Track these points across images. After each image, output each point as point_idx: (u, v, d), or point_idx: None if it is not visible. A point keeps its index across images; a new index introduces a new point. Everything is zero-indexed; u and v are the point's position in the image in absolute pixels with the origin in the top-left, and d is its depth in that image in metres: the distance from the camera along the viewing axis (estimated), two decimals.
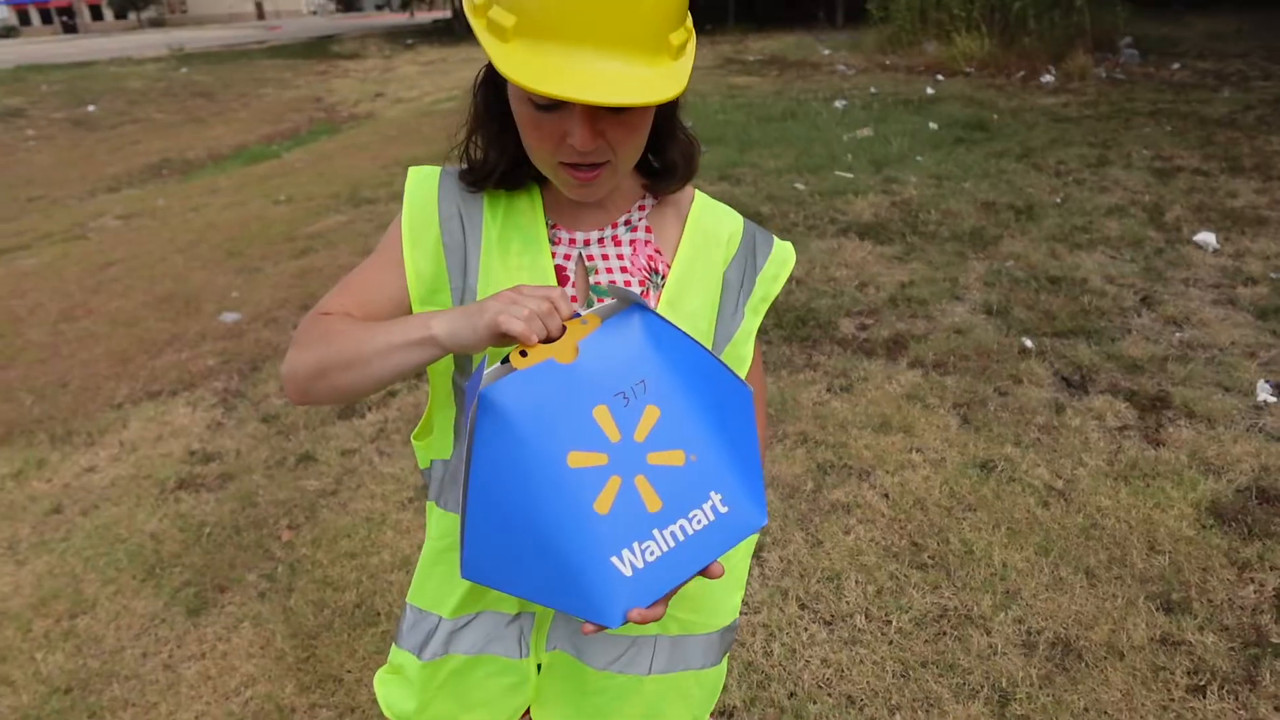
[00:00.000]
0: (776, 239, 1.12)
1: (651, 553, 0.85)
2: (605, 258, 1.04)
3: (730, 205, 1.11)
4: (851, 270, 4.66)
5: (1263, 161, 6.05)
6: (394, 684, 1.16)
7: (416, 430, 1.15)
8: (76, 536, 3.00)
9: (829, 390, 3.49)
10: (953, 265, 4.60)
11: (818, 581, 2.49)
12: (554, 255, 1.03)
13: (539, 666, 1.10)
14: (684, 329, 1.01)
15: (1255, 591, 2.33)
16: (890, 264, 4.74)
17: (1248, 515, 2.60)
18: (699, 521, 0.88)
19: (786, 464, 3.03)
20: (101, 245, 6.82)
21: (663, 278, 1.05)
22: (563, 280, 1.03)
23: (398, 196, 7.22)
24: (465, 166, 1.03)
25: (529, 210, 1.03)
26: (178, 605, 2.68)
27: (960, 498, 2.78)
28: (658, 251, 1.06)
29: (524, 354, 0.85)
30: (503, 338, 0.84)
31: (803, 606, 2.42)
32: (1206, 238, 4.68)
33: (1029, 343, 3.71)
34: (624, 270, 1.04)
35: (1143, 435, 3.05)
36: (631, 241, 1.05)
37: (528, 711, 1.15)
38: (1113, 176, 5.92)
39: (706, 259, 1.07)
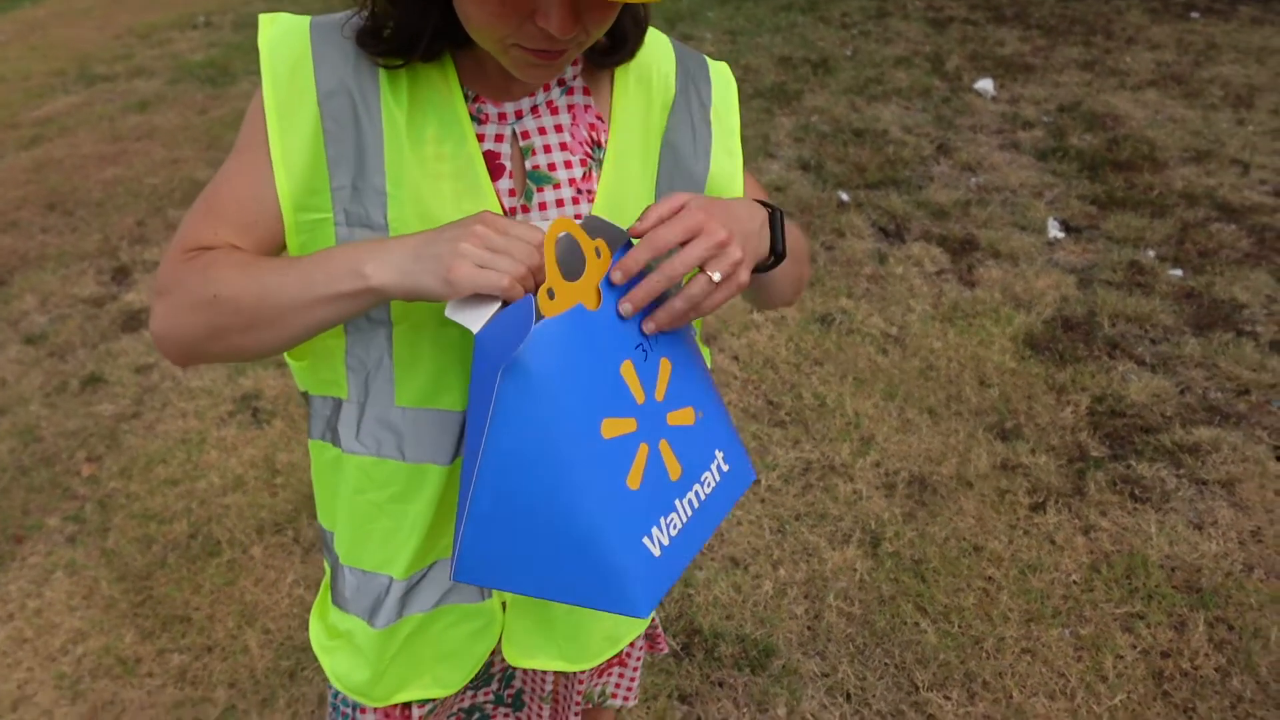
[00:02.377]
0: (708, 60, 0.95)
1: (675, 526, 0.75)
2: (542, 131, 0.84)
3: None
4: None
5: (1021, 11, 6.42)
6: (341, 653, 0.99)
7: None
8: None
9: None
10: (762, 122, 4.61)
11: None
12: (481, 139, 0.82)
13: (504, 605, 0.97)
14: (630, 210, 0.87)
15: (1073, 412, 2.57)
16: None
17: (1057, 344, 2.84)
18: (708, 485, 0.79)
19: None
20: None
21: (605, 150, 0.87)
22: (496, 171, 0.82)
23: (140, 71, 6.29)
24: (366, 26, 0.77)
25: (440, 81, 0.81)
26: None
27: (806, 353, 2.85)
28: (599, 118, 0.88)
29: (551, 294, 0.69)
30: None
31: None
32: (985, 85, 4.94)
33: (845, 196, 3.81)
34: (564, 147, 0.84)
35: (958, 277, 3.24)
36: (570, 107, 0.86)
37: (497, 651, 1.04)
38: (894, 28, 6.10)
39: (643, 108, 0.88)
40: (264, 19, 0.81)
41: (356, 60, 0.78)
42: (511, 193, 0.83)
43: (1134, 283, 3.13)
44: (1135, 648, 1.90)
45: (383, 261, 0.71)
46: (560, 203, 0.85)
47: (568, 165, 0.85)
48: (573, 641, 1.01)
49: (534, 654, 1.00)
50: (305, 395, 0.93)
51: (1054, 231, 3.50)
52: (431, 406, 0.85)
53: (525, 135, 0.84)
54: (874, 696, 1.85)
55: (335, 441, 0.90)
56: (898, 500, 2.31)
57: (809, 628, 2.01)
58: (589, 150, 0.86)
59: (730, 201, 0.81)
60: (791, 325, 2.99)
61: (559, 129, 0.85)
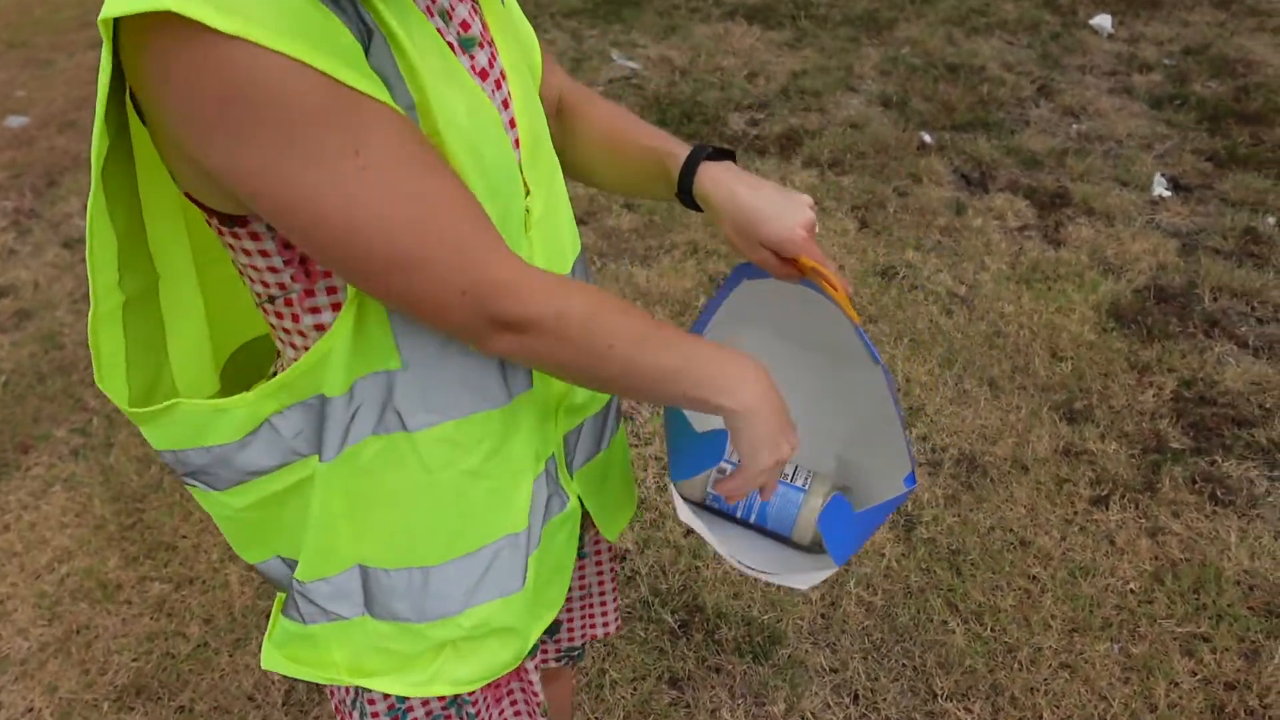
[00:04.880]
0: None
1: None
2: None
3: None
4: (740, 59, 4.25)
5: None
6: (469, 653, 0.85)
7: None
8: None
9: None
10: (846, 52, 4.25)
11: None
12: (442, 34, 0.70)
13: (578, 496, 0.92)
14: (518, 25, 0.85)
15: (1154, 396, 2.27)
16: (780, 51, 4.35)
17: (1146, 316, 2.52)
18: None
19: (676, 277, 2.76)
20: None
21: None
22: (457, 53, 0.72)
23: None
24: None
25: None
26: None
27: (861, 308, 2.60)
28: None
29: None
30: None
31: None
32: (1103, 21, 4.46)
33: (928, 137, 3.47)
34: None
35: (1043, 235, 2.91)
36: None
37: None
38: None
39: None
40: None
41: None
42: (475, 70, 0.73)
43: (1246, 252, 2.76)
44: (1195, 675, 1.66)
45: (756, 392, 0.75)
46: (491, 60, 0.75)
47: (471, 16, 0.74)
48: (627, 494, 1.05)
49: (618, 520, 1.03)
50: (323, 402, 0.74)
51: (1160, 189, 3.12)
52: None
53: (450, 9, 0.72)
54: (885, 700, 1.65)
55: (399, 425, 0.75)
56: (941, 480, 2.07)
57: (822, 615, 1.81)
58: None
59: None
60: (849, 276, 2.72)
61: None
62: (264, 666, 0.90)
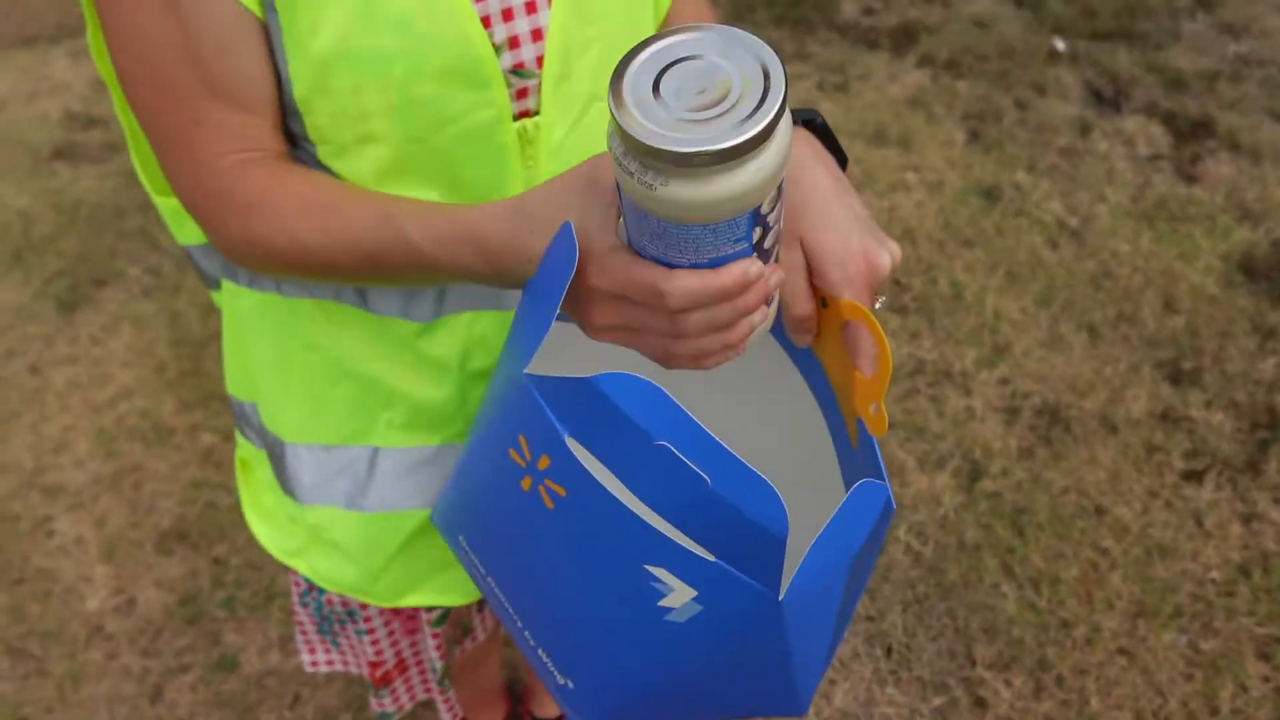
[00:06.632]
0: None
1: None
2: None
3: None
4: None
5: None
6: (318, 551, 0.79)
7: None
8: None
9: (820, 88, 2.96)
10: None
11: None
12: None
13: None
14: None
15: (1276, 365, 2.06)
16: None
17: None
18: None
19: None
20: None
21: None
22: None
23: None
24: None
25: None
26: (48, 298, 2.32)
27: (956, 230, 2.41)
28: None
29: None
30: None
31: None
32: None
33: (1060, 44, 3.14)
34: None
35: (1176, 169, 2.63)
36: None
37: None
38: None
39: None
40: None
41: None
42: None
43: None
44: (1268, 681, 1.53)
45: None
46: None
47: None
48: None
49: None
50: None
51: None
52: None
53: None
54: (919, 659, 1.58)
55: (273, 285, 0.70)
56: (1018, 430, 1.93)
57: None
58: None
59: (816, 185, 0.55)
60: (948, 193, 2.52)
61: None
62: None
